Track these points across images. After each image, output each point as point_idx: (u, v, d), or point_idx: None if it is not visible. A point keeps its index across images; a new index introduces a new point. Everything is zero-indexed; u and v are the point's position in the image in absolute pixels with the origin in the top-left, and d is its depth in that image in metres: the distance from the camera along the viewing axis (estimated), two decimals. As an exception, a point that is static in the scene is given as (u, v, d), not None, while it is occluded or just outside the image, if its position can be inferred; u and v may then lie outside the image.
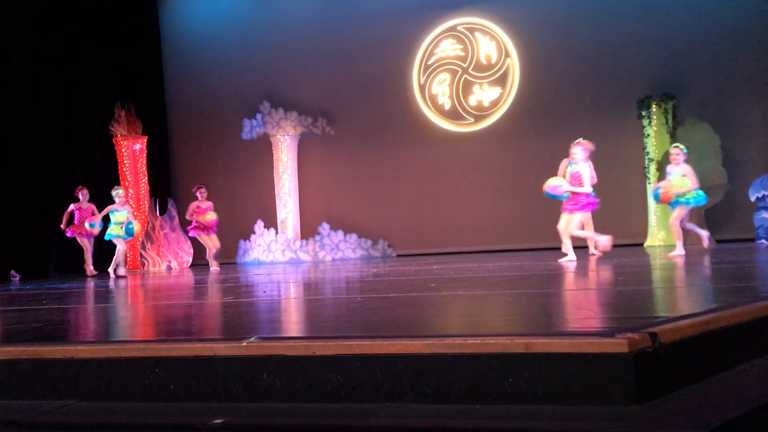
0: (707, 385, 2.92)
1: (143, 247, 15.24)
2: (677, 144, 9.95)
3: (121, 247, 11.83)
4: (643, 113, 13.38)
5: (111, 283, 10.10)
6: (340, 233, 15.05)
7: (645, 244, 13.38)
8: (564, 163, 9.60)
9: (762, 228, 11.74)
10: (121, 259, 11.79)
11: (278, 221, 15.46)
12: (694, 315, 3.28)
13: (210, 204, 12.72)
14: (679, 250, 9.22)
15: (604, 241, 9.22)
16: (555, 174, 9.64)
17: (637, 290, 5.23)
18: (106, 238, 11.89)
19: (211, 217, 12.41)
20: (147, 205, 15.58)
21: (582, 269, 7.75)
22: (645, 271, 7.40)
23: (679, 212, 9.47)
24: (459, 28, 15.31)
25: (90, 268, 12.43)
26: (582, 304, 4.28)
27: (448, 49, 15.34)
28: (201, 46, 16.81)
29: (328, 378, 2.96)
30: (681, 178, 9.45)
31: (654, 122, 13.29)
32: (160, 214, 15.52)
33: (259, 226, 15.16)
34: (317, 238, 15.05)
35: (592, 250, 9.86)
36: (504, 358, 2.79)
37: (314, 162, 15.92)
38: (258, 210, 15.54)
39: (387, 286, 6.84)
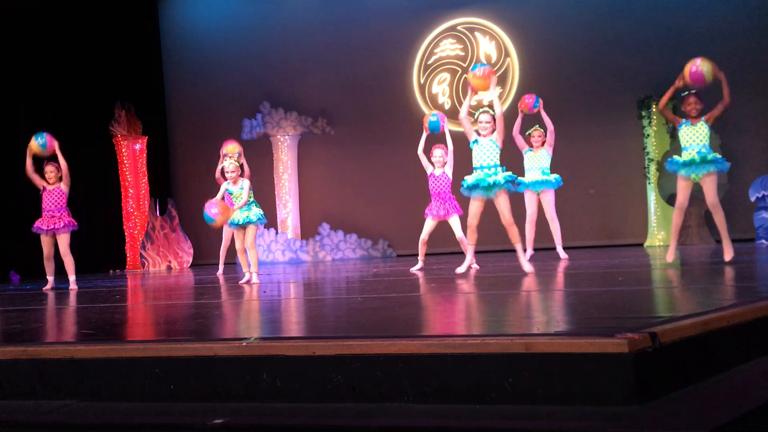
0: (707, 385, 2.92)
1: (143, 247, 15.24)
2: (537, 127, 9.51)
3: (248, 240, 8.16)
4: (643, 113, 13.37)
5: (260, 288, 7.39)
6: (340, 233, 15.05)
7: (645, 244, 13.38)
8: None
9: (762, 228, 11.73)
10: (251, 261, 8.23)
11: (278, 221, 15.46)
12: (694, 315, 3.28)
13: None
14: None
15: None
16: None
17: (637, 290, 5.22)
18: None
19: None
20: (147, 205, 15.59)
21: (581, 270, 7.74)
22: (645, 271, 7.40)
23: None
24: (459, 28, 15.31)
25: (51, 279, 8.97)
26: (582, 304, 4.28)
27: (448, 48, 15.34)
28: (201, 46, 16.80)
29: (328, 378, 2.96)
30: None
31: (654, 122, 13.29)
32: (160, 214, 15.53)
33: (259, 226, 15.17)
34: (317, 238, 15.05)
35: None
36: (504, 358, 2.79)
37: (314, 162, 15.92)
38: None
39: (387, 286, 6.84)
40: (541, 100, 9.46)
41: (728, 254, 7.07)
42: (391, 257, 14.76)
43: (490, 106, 7.22)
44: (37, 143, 8.65)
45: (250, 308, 5.52)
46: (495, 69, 6.95)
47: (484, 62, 7.04)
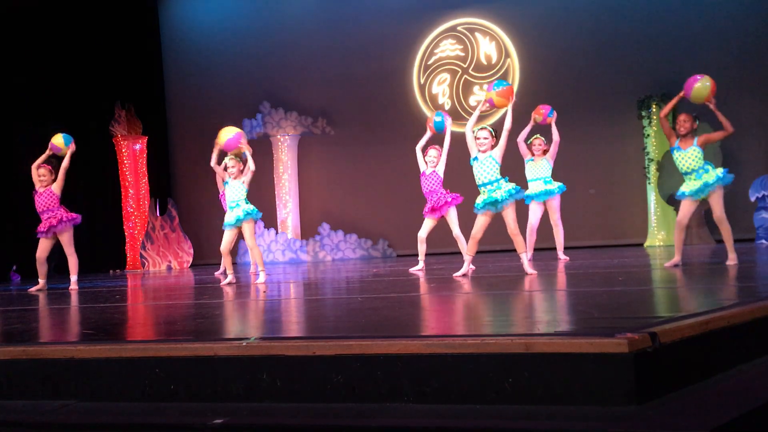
0: (707, 385, 2.92)
1: (143, 247, 15.24)
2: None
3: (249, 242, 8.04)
4: (643, 113, 13.37)
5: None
6: (340, 233, 15.05)
7: (645, 244, 13.38)
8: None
9: (762, 228, 11.73)
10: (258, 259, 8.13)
11: (278, 221, 15.45)
12: (694, 315, 3.28)
13: None
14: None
15: None
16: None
17: (637, 290, 5.23)
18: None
19: None
20: (147, 205, 15.59)
21: (581, 270, 7.74)
22: (645, 271, 7.40)
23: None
24: (459, 28, 15.30)
25: (42, 282, 8.82)
26: (582, 304, 4.28)
27: (448, 49, 15.33)
28: (201, 46, 16.79)
29: (328, 378, 2.96)
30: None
31: (654, 122, 13.28)
32: (160, 214, 15.53)
33: (259, 226, 15.17)
34: (317, 238, 15.05)
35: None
36: (504, 358, 2.79)
37: (314, 162, 15.91)
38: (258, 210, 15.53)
39: (387, 286, 6.84)
40: (555, 112, 9.47)
41: (732, 260, 7.02)
42: (391, 257, 14.76)
43: (499, 124, 7.21)
44: (62, 138, 8.68)
45: (250, 308, 5.52)
46: (512, 86, 7.02)
47: (504, 80, 7.12)
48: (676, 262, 7.12)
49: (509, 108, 6.99)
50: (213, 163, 8.16)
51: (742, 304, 3.64)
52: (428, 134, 8.87)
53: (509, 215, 6.97)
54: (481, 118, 14.76)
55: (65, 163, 8.64)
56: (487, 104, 7.16)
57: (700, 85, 7.07)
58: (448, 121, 8.80)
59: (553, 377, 2.72)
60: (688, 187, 7.15)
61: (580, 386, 2.69)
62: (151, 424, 2.96)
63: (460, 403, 2.78)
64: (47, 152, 8.78)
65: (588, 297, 4.70)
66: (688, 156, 7.10)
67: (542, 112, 9.48)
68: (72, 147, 8.74)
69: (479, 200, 6.98)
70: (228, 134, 8.03)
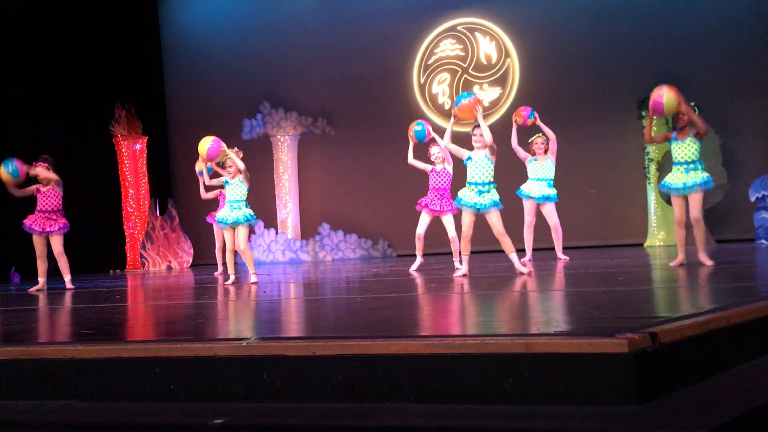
0: (707, 385, 2.92)
1: (143, 247, 15.24)
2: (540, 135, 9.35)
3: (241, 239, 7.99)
4: (643, 113, 13.36)
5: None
6: (340, 233, 15.05)
7: (645, 244, 13.38)
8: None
9: (762, 228, 11.73)
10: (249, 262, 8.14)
11: (278, 221, 15.45)
12: (694, 315, 3.28)
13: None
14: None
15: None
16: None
17: (637, 290, 5.23)
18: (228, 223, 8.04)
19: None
20: (147, 205, 15.59)
21: (581, 270, 7.74)
22: (645, 271, 7.41)
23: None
24: (459, 28, 15.30)
25: (42, 281, 8.91)
26: (582, 304, 4.28)
27: (448, 49, 15.33)
28: (201, 46, 16.79)
29: (328, 378, 2.96)
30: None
31: (654, 122, 13.28)
32: (160, 214, 15.53)
33: (259, 226, 15.17)
34: (317, 238, 15.05)
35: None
36: (504, 358, 2.79)
37: (314, 162, 15.91)
38: (258, 210, 15.48)
39: (387, 286, 6.84)
40: (536, 113, 9.44)
41: (704, 260, 7.05)
42: (391, 257, 14.76)
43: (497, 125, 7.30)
44: (7, 173, 8.43)
45: (250, 308, 5.52)
46: (480, 99, 7.20)
47: (469, 92, 7.25)
48: (681, 261, 7.14)
49: (480, 120, 6.96)
50: (204, 195, 8.23)
51: (742, 304, 3.64)
52: (411, 144, 8.98)
53: (493, 217, 6.98)
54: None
55: (47, 174, 8.52)
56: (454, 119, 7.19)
57: (667, 101, 6.94)
58: (429, 126, 8.87)
59: (553, 377, 2.72)
60: (672, 179, 7.16)
61: (580, 386, 2.69)
62: (151, 424, 2.96)
63: (460, 403, 2.78)
64: (7, 184, 8.61)
65: (588, 297, 4.70)
66: (685, 147, 7.12)
67: (522, 114, 9.41)
68: (22, 167, 8.41)
69: (464, 197, 6.96)
70: (206, 144, 7.90)
